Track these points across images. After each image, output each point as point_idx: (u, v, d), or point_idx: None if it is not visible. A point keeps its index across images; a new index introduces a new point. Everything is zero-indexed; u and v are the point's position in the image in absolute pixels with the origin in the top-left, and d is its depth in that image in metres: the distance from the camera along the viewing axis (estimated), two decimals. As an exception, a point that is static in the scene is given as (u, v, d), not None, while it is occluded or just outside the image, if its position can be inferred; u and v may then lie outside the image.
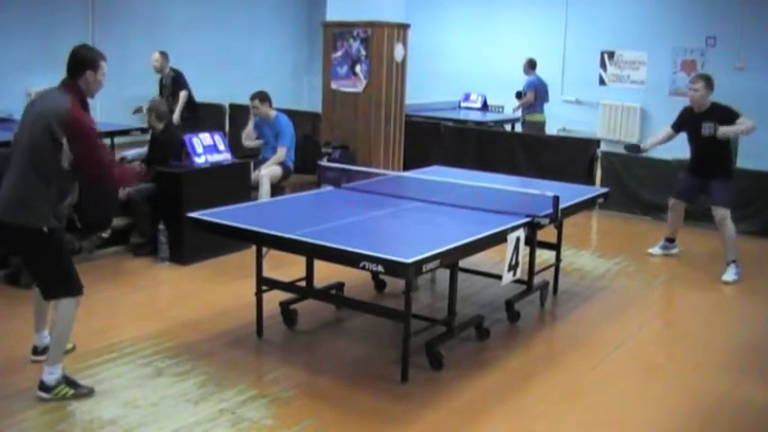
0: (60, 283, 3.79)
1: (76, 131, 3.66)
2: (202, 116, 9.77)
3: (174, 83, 9.32)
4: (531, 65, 10.96)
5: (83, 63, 3.79)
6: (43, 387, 3.79)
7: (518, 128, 11.36)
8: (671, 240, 6.97)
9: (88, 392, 3.85)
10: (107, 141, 8.71)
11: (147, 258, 6.27)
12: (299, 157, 7.79)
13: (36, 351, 4.19)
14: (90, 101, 3.91)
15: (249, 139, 7.83)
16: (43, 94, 3.89)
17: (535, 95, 10.80)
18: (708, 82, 6.25)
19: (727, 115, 6.22)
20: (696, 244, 7.32)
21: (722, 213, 6.31)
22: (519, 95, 11.01)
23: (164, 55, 9.36)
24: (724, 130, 6.12)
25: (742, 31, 10.96)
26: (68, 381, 3.86)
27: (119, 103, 11.20)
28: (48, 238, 3.70)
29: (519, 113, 11.18)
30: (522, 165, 8.69)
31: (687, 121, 6.45)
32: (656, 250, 6.97)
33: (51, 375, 3.79)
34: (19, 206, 3.69)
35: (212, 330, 4.79)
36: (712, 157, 6.35)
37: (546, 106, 11.20)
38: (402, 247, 3.99)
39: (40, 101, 3.82)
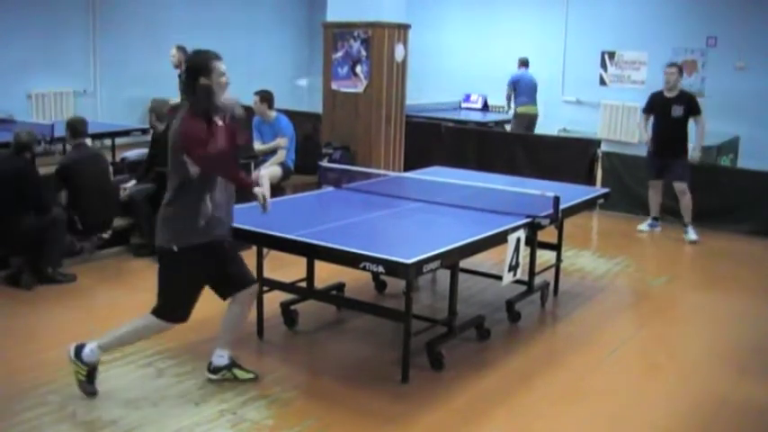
0: (164, 302, 3.81)
1: (186, 144, 3.60)
2: None
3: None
4: (521, 62, 11.44)
5: (194, 72, 3.68)
6: (78, 353, 3.82)
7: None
8: (656, 219, 7.78)
9: (93, 393, 3.85)
10: (108, 142, 8.74)
11: (148, 259, 6.26)
12: (300, 157, 7.79)
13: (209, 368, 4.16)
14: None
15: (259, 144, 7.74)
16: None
17: (516, 89, 11.19)
18: (680, 69, 7.52)
19: (693, 105, 7.34)
20: (697, 245, 7.32)
21: (683, 187, 7.35)
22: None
23: (181, 50, 8.92)
24: (697, 151, 7.46)
25: (742, 31, 10.95)
26: (91, 373, 3.86)
27: (119, 103, 11.23)
28: (178, 257, 3.70)
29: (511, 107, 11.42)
30: (522, 165, 8.69)
31: (657, 104, 7.48)
32: (644, 227, 7.77)
33: (92, 354, 3.82)
34: (158, 228, 3.76)
35: (213, 331, 4.78)
36: (676, 137, 7.36)
37: (542, 105, 11.27)
38: (402, 247, 3.99)
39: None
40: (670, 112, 7.31)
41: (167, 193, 3.78)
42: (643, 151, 7.90)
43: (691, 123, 7.42)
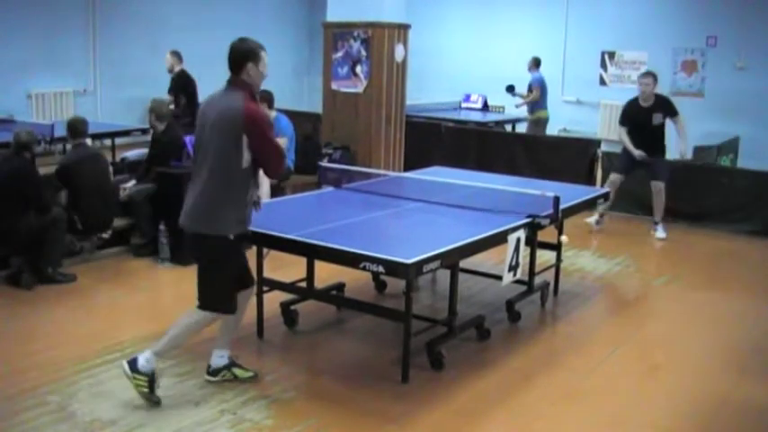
0: (210, 293, 3.79)
1: (255, 128, 3.61)
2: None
3: (173, 84, 9.09)
4: (536, 63, 11.03)
5: (243, 56, 3.69)
6: (133, 366, 3.72)
7: (521, 126, 11.33)
8: (602, 215, 7.78)
9: (157, 402, 3.78)
10: (108, 142, 8.74)
11: (148, 259, 6.27)
12: (300, 157, 7.78)
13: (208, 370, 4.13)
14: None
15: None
16: (212, 97, 3.79)
17: (541, 92, 10.82)
18: (655, 77, 7.43)
19: (671, 108, 7.38)
20: (697, 245, 7.33)
21: (661, 186, 7.40)
22: (511, 89, 11.06)
23: (174, 54, 9.11)
24: (683, 151, 7.52)
25: (742, 31, 10.95)
26: (152, 382, 3.77)
27: (119, 103, 11.22)
28: (231, 245, 3.72)
29: (525, 110, 11.11)
30: (522, 165, 8.69)
31: (635, 114, 7.45)
32: (592, 220, 7.73)
33: (148, 363, 3.74)
34: (204, 215, 3.69)
35: (213, 331, 4.78)
36: (656, 141, 7.37)
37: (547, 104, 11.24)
38: (402, 247, 3.99)
39: (212, 105, 3.73)
40: (651, 121, 7.32)
41: (207, 180, 3.67)
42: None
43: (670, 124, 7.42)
